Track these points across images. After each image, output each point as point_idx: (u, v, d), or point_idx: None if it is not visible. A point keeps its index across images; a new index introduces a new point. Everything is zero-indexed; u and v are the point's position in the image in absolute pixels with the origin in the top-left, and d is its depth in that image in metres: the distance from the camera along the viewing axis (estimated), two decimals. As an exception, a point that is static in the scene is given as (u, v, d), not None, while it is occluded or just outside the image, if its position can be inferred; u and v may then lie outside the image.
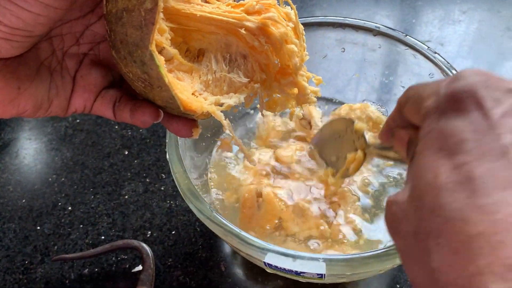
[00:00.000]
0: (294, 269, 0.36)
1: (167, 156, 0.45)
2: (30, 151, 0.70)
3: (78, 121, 0.73)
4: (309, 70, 0.40)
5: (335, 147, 0.50)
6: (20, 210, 0.64)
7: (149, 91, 0.33)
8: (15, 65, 0.32)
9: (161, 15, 0.32)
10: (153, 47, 0.29)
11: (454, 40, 0.81)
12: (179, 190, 0.43)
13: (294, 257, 0.36)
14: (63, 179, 0.66)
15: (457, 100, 0.22)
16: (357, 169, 0.46)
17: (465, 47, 0.79)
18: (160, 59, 0.30)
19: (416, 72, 0.53)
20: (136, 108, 0.35)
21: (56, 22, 0.33)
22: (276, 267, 0.37)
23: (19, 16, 0.28)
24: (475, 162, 0.19)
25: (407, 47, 0.52)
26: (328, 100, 0.63)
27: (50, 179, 0.67)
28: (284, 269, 0.36)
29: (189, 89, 0.35)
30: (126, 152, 0.69)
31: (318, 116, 0.58)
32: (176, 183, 0.44)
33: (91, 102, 0.36)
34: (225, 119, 0.35)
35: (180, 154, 0.44)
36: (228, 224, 0.39)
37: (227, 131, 0.36)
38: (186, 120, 0.36)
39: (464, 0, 0.88)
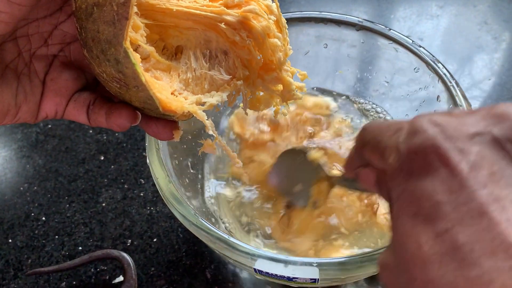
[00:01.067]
0: (286, 274, 0.34)
1: (147, 161, 0.43)
2: (-1, 159, 0.67)
3: (50, 126, 0.70)
4: (292, 66, 0.39)
5: (295, 179, 0.50)
6: (-10, 223, 0.60)
7: (125, 91, 0.30)
8: None
9: (135, 9, 0.30)
10: (127, 44, 0.27)
11: (433, 35, 0.80)
12: (161, 196, 0.41)
13: (285, 262, 0.34)
14: (35, 187, 0.63)
15: (421, 157, 0.20)
16: (325, 199, 0.46)
17: (444, 42, 0.79)
18: (135, 57, 0.28)
19: (400, 66, 0.52)
20: (112, 111, 0.32)
21: (20, 21, 0.30)
22: (267, 273, 0.35)
23: None
24: (456, 228, 0.18)
25: (391, 41, 0.51)
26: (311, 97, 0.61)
27: (21, 188, 0.63)
28: (276, 275, 0.35)
29: (168, 89, 0.33)
30: (102, 158, 0.66)
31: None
32: (158, 188, 0.41)
33: (63, 107, 0.34)
34: (207, 119, 0.33)
35: (161, 157, 0.42)
36: (215, 230, 0.37)
37: (210, 132, 0.33)
38: (166, 122, 0.34)
39: (441, -5, 0.88)
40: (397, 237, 0.21)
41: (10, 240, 0.59)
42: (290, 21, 0.53)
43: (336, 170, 0.51)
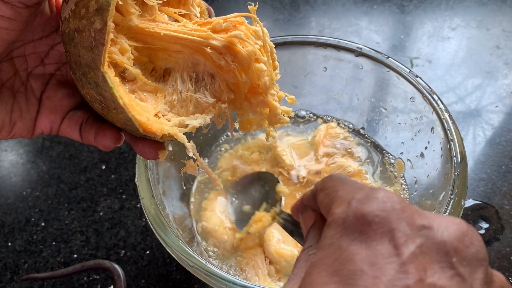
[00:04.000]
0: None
1: (136, 179, 0.44)
2: (5, 163, 0.69)
3: (56, 133, 0.72)
4: (291, 88, 0.39)
5: (254, 196, 0.50)
6: (-8, 225, 0.62)
7: (107, 113, 0.31)
8: None
9: (121, 36, 0.31)
10: (105, 68, 0.28)
11: (443, 57, 0.80)
12: (146, 217, 0.42)
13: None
14: (37, 193, 0.65)
15: (366, 222, 0.20)
16: (259, 230, 0.47)
17: (453, 65, 0.78)
18: (113, 81, 0.29)
19: (399, 94, 0.52)
20: (99, 132, 0.34)
21: (13, 43, 0.32)
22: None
23: None
24: None
25: (389, 69, 0.51)
26: (306, 120, 0.61)
27: (24, 193, 0.65)
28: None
29: (151, 110, 0.33)
30: (104, 167, 0.67)
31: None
32: (143, 208, 0.42)
33: (57, 124, 0.35)
34: (188, 141, 0.34)
35: (148, 177, 0.43)
36: (195, 256, 0.37)
37: (191, 154, 0.34)
38: (152, 142, 0.35)
39: (454, 17, 0.87)
40: (307, 282, 0.21)
41: (9, 244, 0.60)
42: (290, 44, 0.54)
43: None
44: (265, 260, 0.48)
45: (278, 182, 0.47)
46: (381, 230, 0.20)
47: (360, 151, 0.56)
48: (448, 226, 0.20)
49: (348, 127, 0.59)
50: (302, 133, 0.60)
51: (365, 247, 0.20)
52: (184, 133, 0.34)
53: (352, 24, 0.87)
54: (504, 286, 0.21)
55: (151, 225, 0.41)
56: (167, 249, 0.40)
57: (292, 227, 0.40)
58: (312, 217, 0.28)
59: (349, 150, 0.56)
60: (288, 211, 0.38)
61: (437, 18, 0.87)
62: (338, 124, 0.59)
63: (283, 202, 0.46)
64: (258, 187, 0.50)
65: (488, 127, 0.69)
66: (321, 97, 0.58)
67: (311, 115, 0.61)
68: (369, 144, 0.57)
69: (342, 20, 0.88)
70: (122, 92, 0.30)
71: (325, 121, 0.60)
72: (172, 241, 0.39)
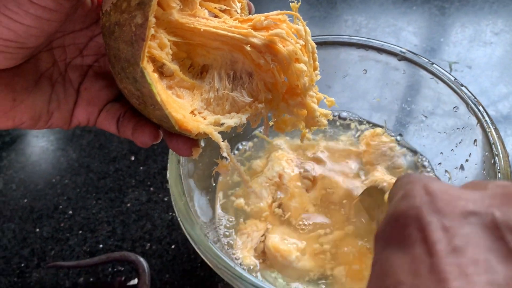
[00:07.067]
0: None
1: (167, 174, 0.43)
2: (36, 149, 0.69)
3: (87, 122, 0.72)
4: (329, 89, 0.38)
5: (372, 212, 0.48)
6: (21, 210, 0.63)
7: (144, 108, 0.31)
8: (10, 77, 0.31)
9: (152, 31, 0.30)
10: (144, 64, 0.27)
11: (484, 64, 0.77)
12: (175, 212, 0.41)
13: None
14: (66, 181, 0.65)
15: (401, 226, 0.18)
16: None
17: (495, 72, 0.75)
18: (152, 77, 0.28)
19: (440, 102, 0.50)
20: (137, 128, 0.33)
21: (53, 34, 0.31)
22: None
23: (10, 28, 0.27)
24: None
25: (432, 76, 0.49)
26: (343, 120, 0.60)
27: (53, 180, 0.65)
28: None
29: (187, 107, 0.33)
30: (133, 158, 0.67)
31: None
32: (173, 204, 0.42)
33: (95, 116, 0.35)
34: (223, 141, 0.33)
35: (180, 174, 0.42)
36: (221, 256, 0.36)
37: (225, 154, 0.33)
38: (187, 138, 0.34)
39: (497, 21, 0.84)
40: None
41: (37, 230, 0.61)
42: (331, 44, 0.52)
43: None
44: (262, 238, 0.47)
45: (385, 192, 0.46)
46: (415, 230, 0.17)
47: (403, 162, 0.54)
48: (495, 201, 0.17)
49: (391, 135, 0.57)
50: (340, 136, 0.58)
51: (402, 254, 0.17)
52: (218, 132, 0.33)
53: (390, 24, 0.85)
54: None
55: (180, 222, 0.41)
56: (195, 247, 0.39)
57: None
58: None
59: (393, 161, 0.54)
60: None
61: (479, 22, 0.84)
62: (385, 131, 0.57)
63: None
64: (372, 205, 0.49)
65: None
66: (357, 100, 0.56)
67: (354, 117, 0.59)
68: (406, 151, 0.55)
69: (380, 20, 0.86)
70: (160, 89, 0.29)
71: (373, 126, 0.58)
72: (200, 239, 0.39)
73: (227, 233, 0.50)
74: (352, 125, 0.59)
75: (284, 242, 0.47)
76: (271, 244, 0.46)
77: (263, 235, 0.48)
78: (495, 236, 0.16)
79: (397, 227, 0.18)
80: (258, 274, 0.46)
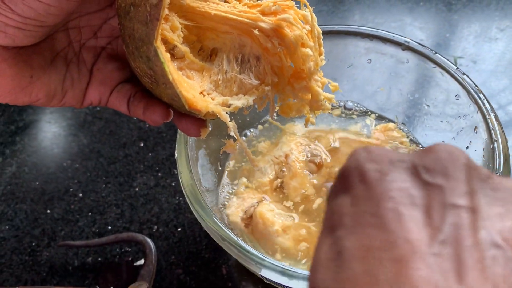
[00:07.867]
0: (290, 286, 0.35)
1: (175, 154, 0.45)
2: (48, 134, 0.71)
3: (98, 109, 0.74)
4: (333, 78, 0.39)
5: None
6: (33, 192, 0.64)
7: (155, 87, 0.32)
8: (28, 54, 0.32)
9: (167, 11, 0.32)
10: (157, 43, 0.29)
11: (489, 59, 0.77)
12: (183, 190, 0.43)
13: (290, 276, 0.35)
14: (77, 165, 0.67)
15: (345, 178, 0.21)
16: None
17: (499, 67, 0.76)
18: (165, 56, 0.30)
19: (443, 91, 0.51)
20: (148, 107, 0.35)
21: (70, 14, 0.33)
22: (272, 281, 0.36)
23: (31, 6, 0.28)
24: (348, 236, 0.19)
25: (435, 65, 0.50)
26: (348, 111, 0.61)
27: (65, 164, 0.67)
28: (281, 284, 0.35)
29: (197, 88, 0.34)
30: (142, 144, 0.69)
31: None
32: (180, 183, 0.43)
33: (106, 96, 0.36)
34: (230, 121, 0.34)
35: (188, 153, 0.44)
36: (228, 232, 0.38)
37: (232, 133, 0.35)
38: (195, 119, 0.36)
39: (503, 17, 0.85)
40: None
41: (48, 211, 0.63)
42: (336, 33, 0.53)
43: None
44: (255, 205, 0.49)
45: None
46: (356, 177, 0.21)
47: None
48: (416, 154, 0.21)
49: (403, 130, 0.58)
50: (349, 127, 0.60)
51: (345, 196, 0.21)
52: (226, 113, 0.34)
53: (396, 19, 0.86)
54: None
55: (187, 199, 0.42)
56: (201, 223, 0.41)
57: None
58: None
59: None
60: None
61: (486, 18, 0.85)
62: (397, 126, 0.58)
63: None
64: None
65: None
66: (361, 89, 0.58)
67: (360, 107, 0.60)
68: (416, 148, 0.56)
69: (386, 15, 0.87)
70: (171, 68, 0.31)
71: (380, 117, 0.59)
72: (207, 215, 0.40)
73: (226, 197, 0.52)
74: (368, 120, 0.60)
75: (272, 213, 0.48)
76: (258, 210, 0.48)
77: (257, 203, 0.50)
78: (414, 174, 0.20)
79: (342, 179, 0.21)
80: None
